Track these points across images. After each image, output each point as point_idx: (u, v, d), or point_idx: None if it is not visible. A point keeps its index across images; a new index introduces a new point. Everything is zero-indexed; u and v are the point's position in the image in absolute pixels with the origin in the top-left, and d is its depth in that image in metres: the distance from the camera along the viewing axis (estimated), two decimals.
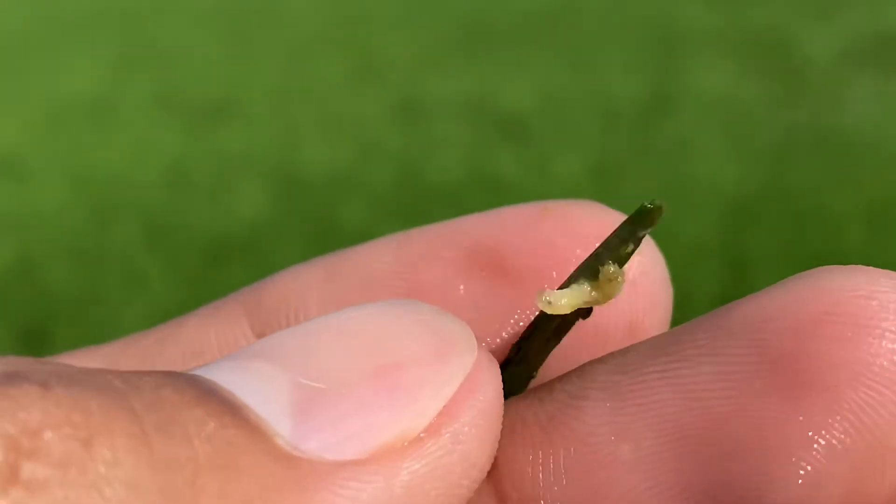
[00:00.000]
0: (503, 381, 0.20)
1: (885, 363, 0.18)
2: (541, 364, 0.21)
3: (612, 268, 0.20)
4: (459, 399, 0.18)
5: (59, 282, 2.12)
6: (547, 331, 0.21)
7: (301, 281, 0.25)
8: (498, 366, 0.19)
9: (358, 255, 0.24)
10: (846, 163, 2.39)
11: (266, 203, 2.48)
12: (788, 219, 2.11)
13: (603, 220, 0.22)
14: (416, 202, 2.39)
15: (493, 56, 3.81)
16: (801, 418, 0.18)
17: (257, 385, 0.17)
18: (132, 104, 3.52)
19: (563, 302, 0.20)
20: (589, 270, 0.21)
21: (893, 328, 0.18)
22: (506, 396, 0.20)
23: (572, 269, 0.21)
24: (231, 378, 0.17)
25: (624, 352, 0.21)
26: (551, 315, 0.21)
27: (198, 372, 0.18)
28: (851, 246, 1.94)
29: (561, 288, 0.21)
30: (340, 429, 0.17)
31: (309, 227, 2.31)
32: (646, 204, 0.20)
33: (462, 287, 0.23)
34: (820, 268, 0.20)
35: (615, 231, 0.20)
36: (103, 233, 2.36)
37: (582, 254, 0.22)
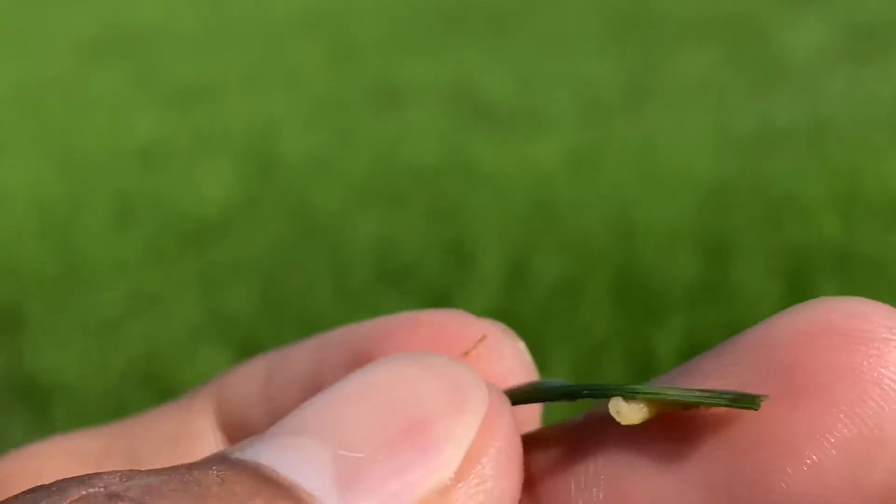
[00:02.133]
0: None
1: (870, 364, 0.20)
2: None
3: (644, 408, 0.22)
4: (479, 444, 0.20)
5: (33, 261, 2.11)
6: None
7: (251, 377, 0.28)
8: (510, 404, 0.21)
9: (288, 356, 0.27)
10: (822, 151, 2.41)
11: (241, 185, 2.47)
12: (764, 206, 2.12)
13: (470, 330, 0.25)
14: (392, 186, 2.39)
15: (471, 42, 3.81)
16: (802, 416, 0.20)
17: (301, 463, 0.19)
18: (108, 84, 3.50)
19: (628, 414, 0.22)
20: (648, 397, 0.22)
21: (876, 335, 0.20)
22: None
23: None
24: (277, 459, 0.20)
25: (641, 384, 0.23)
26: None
27: (246, 455, 0.20)
28: (826, 233, 1.95)
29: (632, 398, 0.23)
30: (380, 493, 0.19)
31: (284, 209, 2.31)
32: (756, 397, 0.21)
33: None
34: (813, 299, 0.22)
35: (708, 395, 0.22)
36: (78, 212, 2.35)
37: None
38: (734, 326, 1.67)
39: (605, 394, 0.22)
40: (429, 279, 1.91)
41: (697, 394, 0.22)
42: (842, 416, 0.20)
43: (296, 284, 1.95)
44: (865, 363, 0.20)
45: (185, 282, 1.99)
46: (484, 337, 0.24)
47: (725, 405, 0.21)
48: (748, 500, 0.20)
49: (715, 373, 0.22)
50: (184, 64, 3.72)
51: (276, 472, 0.19)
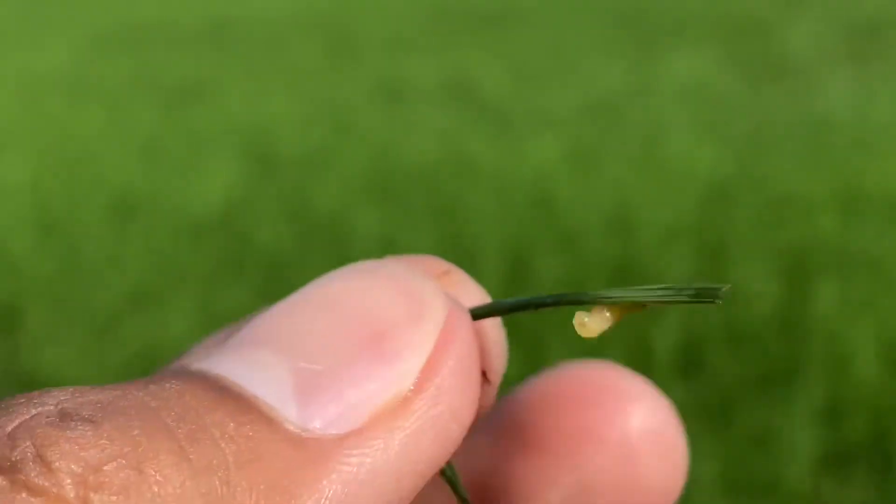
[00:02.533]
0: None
1: (588, 423, 0.24)
2: None
3: (607, 312, 0.22)
4: (438, 353, 0.20)
5: (31, 258, 2.11)
6: None
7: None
8: (468, 313, 0.21)
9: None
10: (820, 149, 2.41)
11: (240, 182, 2.47)
12: (763, 204, 2.12)
13: (436, 265, 0.25)
14: (391, 183, 2.39)
15: (470, 40, 3.81)
16: (533, 468, 0.24)
17: (261, 375, 0.20)
18: (107, 81, 3.50)
19: (592, 326, 0.22)
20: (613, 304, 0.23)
21: (595, 400, 0.24)
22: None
23: None
24: (237, 370, 0.20)
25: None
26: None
27: (206, 366, 0.20)
28: (824, 230, 1.95)
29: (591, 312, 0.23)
30: (339, 405, 0.19)
31: (283, 206, 2.31)
32: (716, 290, 0.22)
33: None
34: (554, 367, 0.25)
35: (669, 294, 0.22)
36: (76, 209, 2.35)
37: None
38: (732, 325, 1.67)
39: (568, 301, 0.22)
40: None
41: (659, 293, 0.22)
42: (563, 467, 0.23)
43: (295, 282, 1.95)
44: (585, 422, 0.23)
45: (183, 279, 1.99)
46: (448, 271, 0.23)
47: (687, 301, 0.22)
48: None
49: (486, 423, 0.25)
50: (184, 61, 3.72)
51: (236, 384, 0.19)
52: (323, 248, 2.09)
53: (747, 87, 2.99)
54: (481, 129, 2.77)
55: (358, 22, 4.23)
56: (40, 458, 0.17)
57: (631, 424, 0.23)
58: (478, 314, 0.22)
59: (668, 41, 3.53)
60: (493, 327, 0.23)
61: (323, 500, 0.19)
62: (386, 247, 2.06)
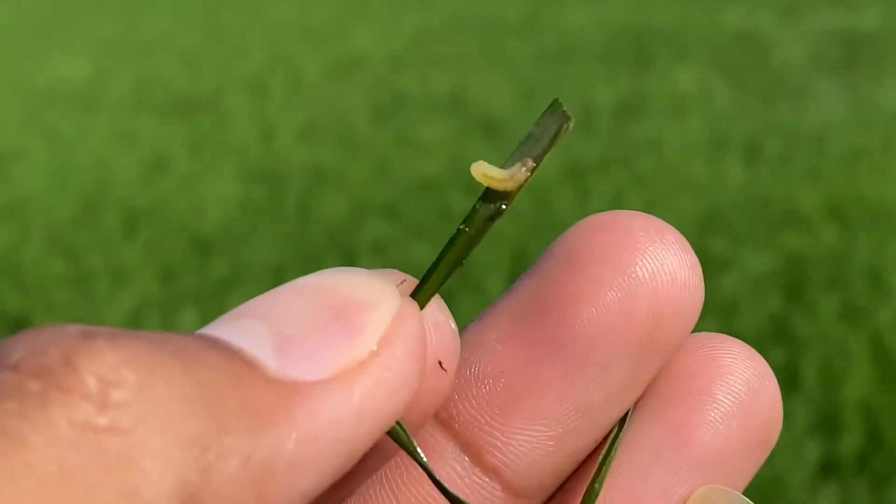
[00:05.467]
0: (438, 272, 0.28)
1: (624, 244, 0.29)
2: (467, 254, 0.30)
3: (530, 162, 0.28)
4: (391, 333, 0.25)
5: (41, 271, 2.13)
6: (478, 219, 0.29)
7: None
8: (418, 308, 0.26)
9: None
10: (817, 162, 2.42)
11: (245, 196, 2.49)
12: (761, 218, 2.13)
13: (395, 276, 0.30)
14: (395, 197, 2.41)
15: (470, 54, 3.82)
16: (584, 278, 0.29)
17: (247, 335, 0.23)
18: (113, 96, 3.51)
19: (503, 176, 0.28)
20: (516, 159, 0.28)
21: (629, 229, 0.29)
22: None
23: None
24: (225, 333, 0.23)
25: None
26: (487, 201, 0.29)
27: (204, 331, 0.24)
28: (823, 243, 1.97)
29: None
30: (310, 360, 0.23)
31: (288, 220, 2.32)
32: (556, 101, 0.27)
33: None
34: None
35: (536, 128, 0.28)
36: (85, 223, 2.37)
37: None
38: (730, 335, 1.68)
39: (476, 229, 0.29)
40: None
41: (539, 149, 0.28)
42: (610, 273, 0.28)
43: None
44: (620, 243, 0.28)
45: (188, 292, 2.00)
46: (405, 280, 0.28)
47: (558, 138, 0.27)
48: (559, 339, 0.29)
49: (535, 267, 0.30)
50: (188, 75, 3.73)
51: (224, 339, 0.23)
52: (326, 259, 2.11)
53: (745, 100, 3.00)
54: (483, 143, 2.79)
55: (358, 35, 4.24)
56: (67, 363, 0.20)
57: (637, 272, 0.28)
58: (417, 293, 0.27)
59: (665, 55, 3.55)
60: (449, 329, 0.28)
61: (293, 429, 0.22)
62: (389, 256, 2.07)
